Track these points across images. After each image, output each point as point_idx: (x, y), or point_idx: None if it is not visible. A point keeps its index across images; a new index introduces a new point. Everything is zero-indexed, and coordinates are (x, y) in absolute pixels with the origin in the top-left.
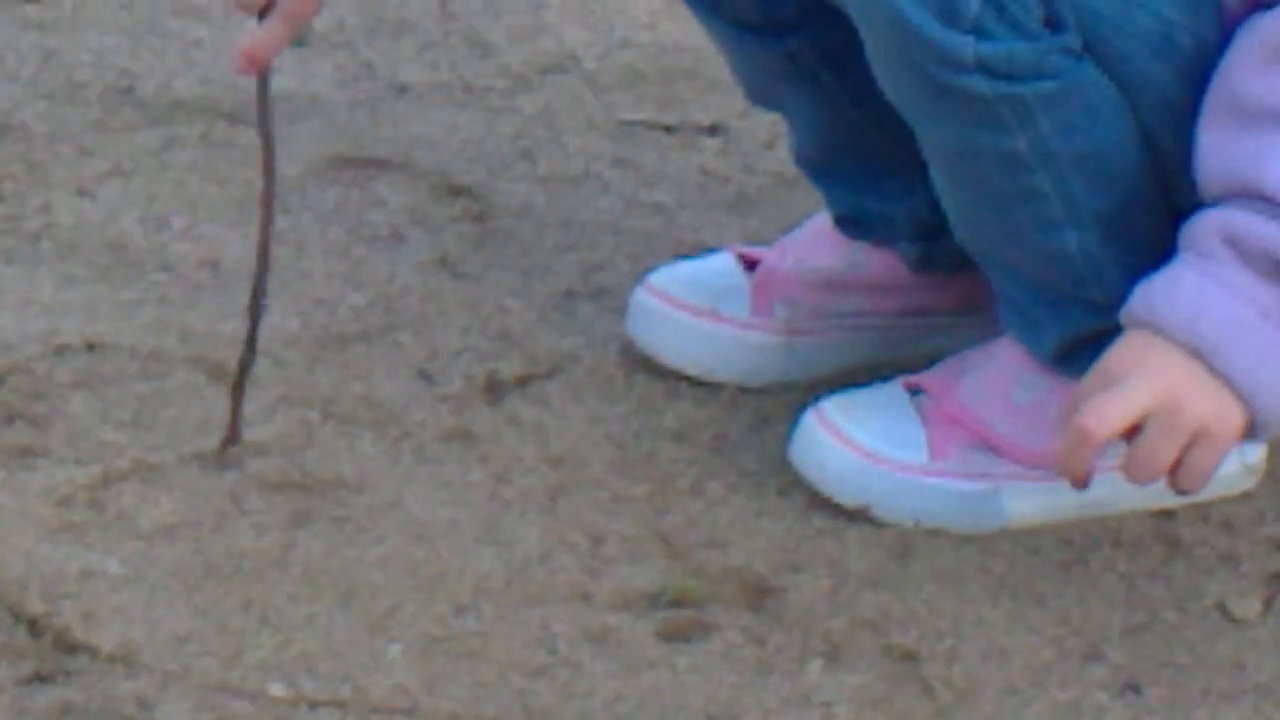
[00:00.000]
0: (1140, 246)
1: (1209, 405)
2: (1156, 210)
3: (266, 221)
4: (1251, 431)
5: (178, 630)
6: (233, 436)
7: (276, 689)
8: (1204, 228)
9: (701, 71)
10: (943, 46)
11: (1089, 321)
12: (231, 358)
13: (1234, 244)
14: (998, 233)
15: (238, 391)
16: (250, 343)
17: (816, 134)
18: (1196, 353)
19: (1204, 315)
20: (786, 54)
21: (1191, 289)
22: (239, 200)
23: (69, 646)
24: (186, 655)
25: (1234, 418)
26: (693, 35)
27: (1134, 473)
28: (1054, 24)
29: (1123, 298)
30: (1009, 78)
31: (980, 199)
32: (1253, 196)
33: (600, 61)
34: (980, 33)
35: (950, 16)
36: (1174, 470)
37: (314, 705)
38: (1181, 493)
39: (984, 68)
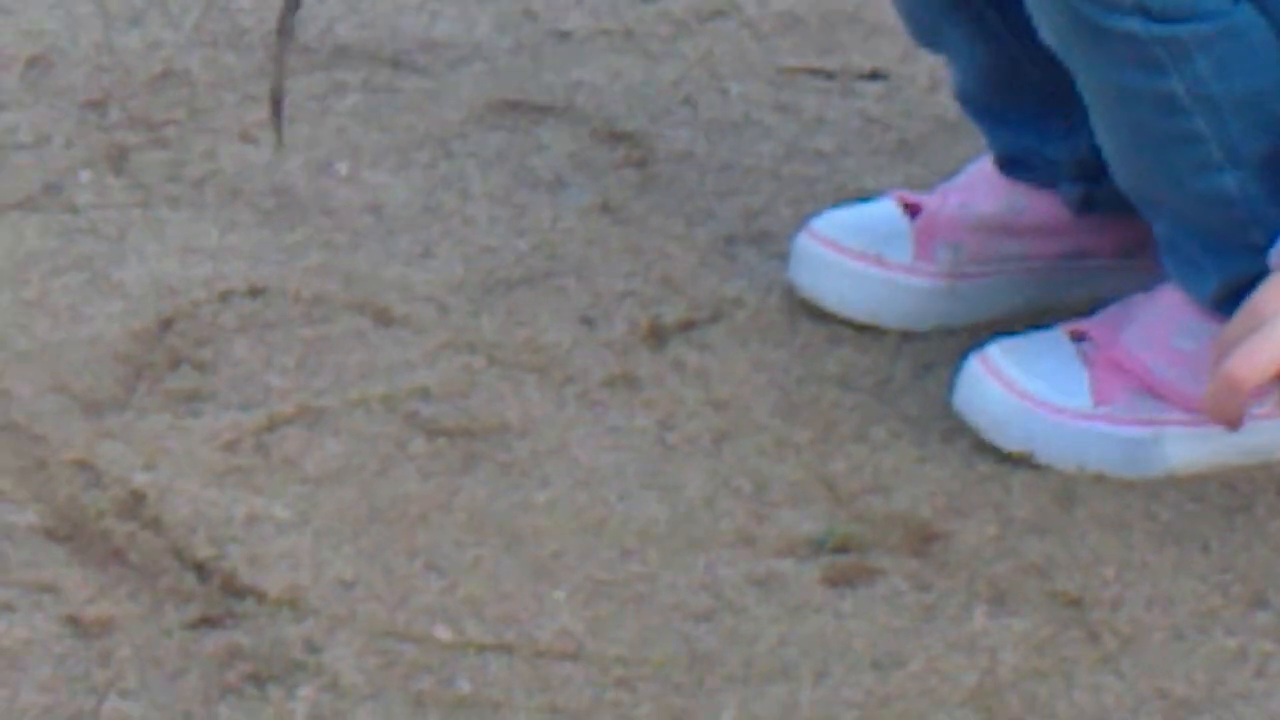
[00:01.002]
0: None
1: None
2: None
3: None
4: None
5: (344, 575)
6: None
7: (442, 633)
8: None
9: (862, 16)
10: None
11: (1251, 264)
12: (395, 303)
13: None
14: (1156, 176)
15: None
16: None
17: (979, 72)
18: None
19: None
20: None
21: None
22: (401, 146)
23: (236, 590)
24: (353, 599)
25: None
26: None
27: None
28: None
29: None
30: (1165, 19)
31: (1138, 142)
32: None
33: (761, 7)
34: None
35: None
36: None
37: (480, 649)
38: None
39: (1141, 8)
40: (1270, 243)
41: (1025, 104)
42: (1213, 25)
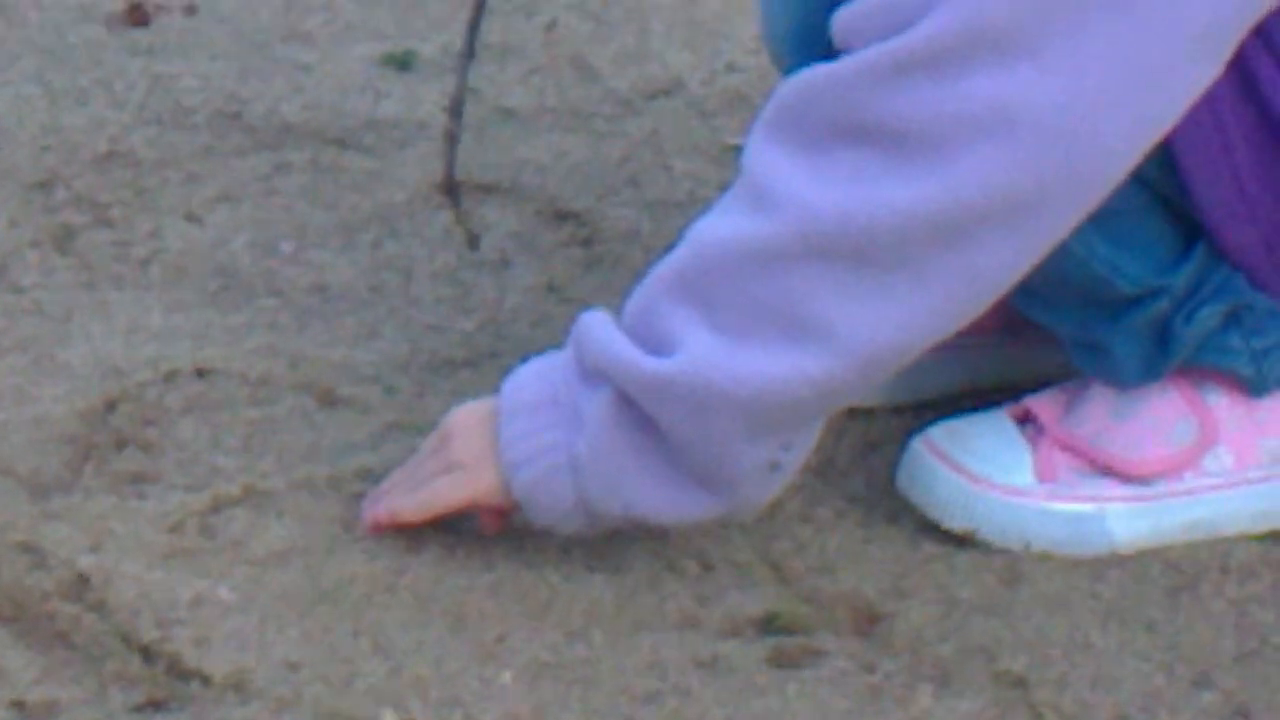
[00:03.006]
0: (1133, 228)
1: (470, 453)
2: (1132, 192)
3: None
4: (520, 504)
5: (290, 656)
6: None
7: (388, 716)
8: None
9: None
10: None
11: (1135, 315)
12: (341, 383)
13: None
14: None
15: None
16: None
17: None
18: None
19: (515, 389)
20: None
21: (527, 369)
22: (347, 225)
23: (182, 673)
24: (298, 681)
25: (482, 476)
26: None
27: None
28: None
29: (1143, 276)
30: None
31: None
32: None
33: (706, 86)
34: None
35: None
36: None
37: None
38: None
39: None
40: (1140, 287)
41: None
42: None
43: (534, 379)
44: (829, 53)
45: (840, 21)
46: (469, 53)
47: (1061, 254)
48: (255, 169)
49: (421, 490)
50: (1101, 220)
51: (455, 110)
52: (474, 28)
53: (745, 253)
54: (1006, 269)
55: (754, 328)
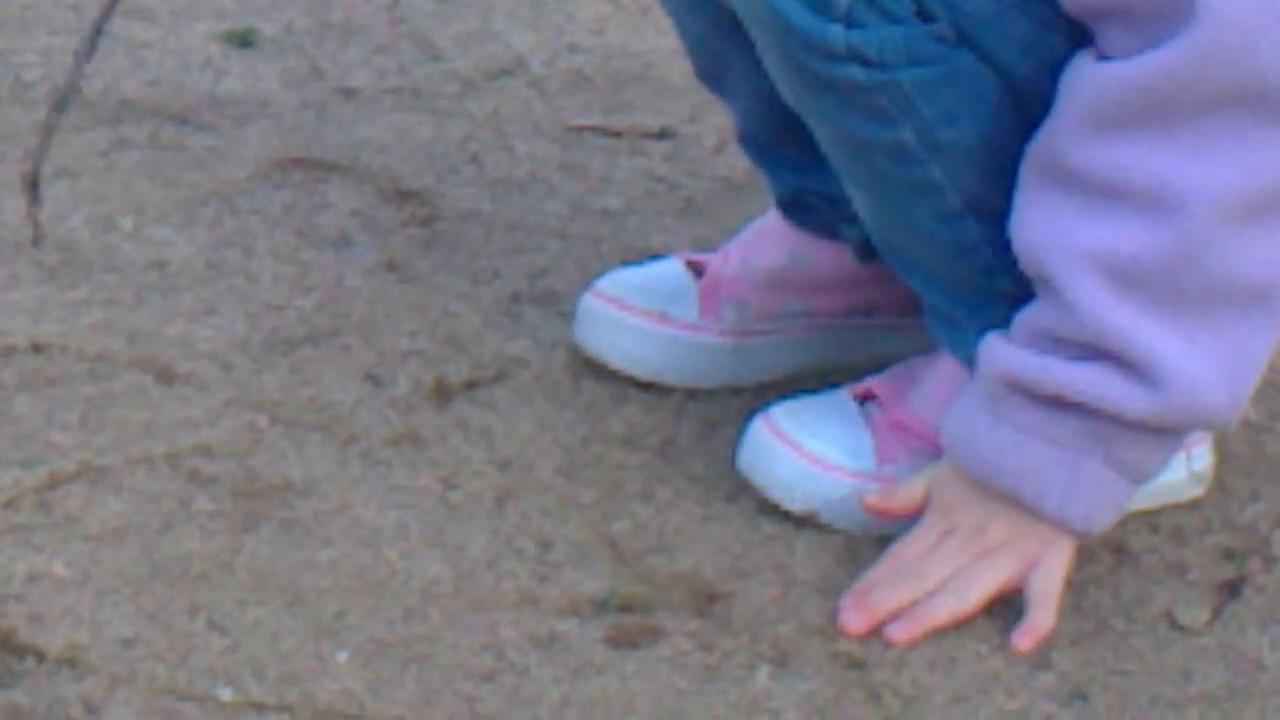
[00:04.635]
0: None
1: (1031, 545)
2: None
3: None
4: (1081, 538)
5: (125, 633)
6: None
7: (224, 693)
8: (987, 369)
9: (650, 76)
10: (814, 35)
11: (1006, 312)
12: (179, 360)
13: (1015, 388)
14: (902, 228)
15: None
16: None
17: (760, 104)
18: (1007, 500)
19: (1003, 469)
20: (730, 15)
21: (985, 441)
22: (186, 202)
23: (16, 649)
24: (133, 658)
25: (1060, 544)
26: (640, 40)
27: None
28: (924, 14)
29: (1024, 279)
30: (883, 65)
31: (880, 195)
32: (1050, 292)
33: (548, 66)
34: (850, 21)
35: (820, 6)
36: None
37: (261, 709)
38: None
39: (856, 55)
40: (1023, 291)
41: (806, 140)
42: (933, 70)
43: (1002, 448)
44: None
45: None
46: (90, 47)
47: (959, 229)
48: (94, 145)
49: (964, 583)
50: (1006, 217)
51: (58, 105)
52: (98, 29)
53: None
54: None
55: (1224, 316)
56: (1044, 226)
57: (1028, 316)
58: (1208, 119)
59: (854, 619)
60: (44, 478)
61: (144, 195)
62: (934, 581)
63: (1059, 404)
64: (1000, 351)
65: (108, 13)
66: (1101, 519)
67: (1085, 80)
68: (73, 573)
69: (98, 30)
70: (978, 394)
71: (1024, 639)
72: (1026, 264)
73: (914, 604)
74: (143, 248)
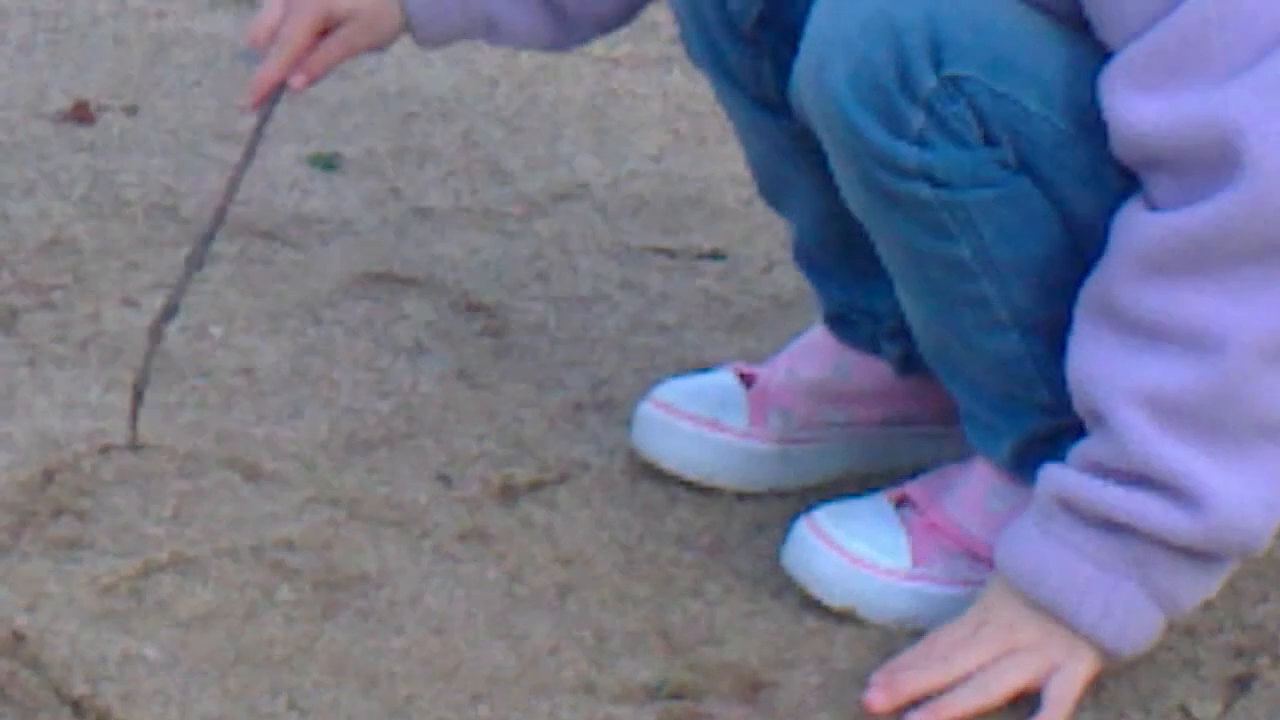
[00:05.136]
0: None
1: (1053, 646)
2: None
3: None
4: (1110, 658)
5: (211, 713)
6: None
7: None
8: (1043, 489)
9: (705, 201)
10: (888, 153)
11: (1041, 422)
12: (264, 459)
13: (1068, 506)
14: (949, 337)
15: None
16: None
17: (815, 223)
18: (1039, 604)
19: (1044, 582)
20: (795, 132)
21: (1032, 553)
22: (273, 313)
23: None
24: None
25: (1085, 655)
26: (696, 168)
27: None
28: (990, 140)
29: (1064, 396)
30: (949, 185)
31: (932, 305)
32: (1099, 424)
33: (610, 190)
34: (923, 143)
35: (897, 127)
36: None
37: None
38: None
39: (926, 175)
40: (1058, 402)
41: (855, 259)
42: (994, 193)
43: (1056, 565)
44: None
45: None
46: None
47: (1004, 341)
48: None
49: (989, 678)
50: (1054, 335)
51: (203, 240)
52: (234, 185)
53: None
54: None
55: (1259, 449)
56: (1095, 364)
57: (1082, 448)
58: (1249, 267)
59: (880, 697)
60: (138, 567)
61: (233, 306)
62: (960, 671)
63: (1106, 526)
64: (1057, 474)
65: (252, 148)
66: (1133, 641)
67: (1136, 227)
68: (163, 656)
69: (248, 157)
70: (1032, 512)
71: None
72: (1079, 399)
73: (939, 691)
74: (231, 354)
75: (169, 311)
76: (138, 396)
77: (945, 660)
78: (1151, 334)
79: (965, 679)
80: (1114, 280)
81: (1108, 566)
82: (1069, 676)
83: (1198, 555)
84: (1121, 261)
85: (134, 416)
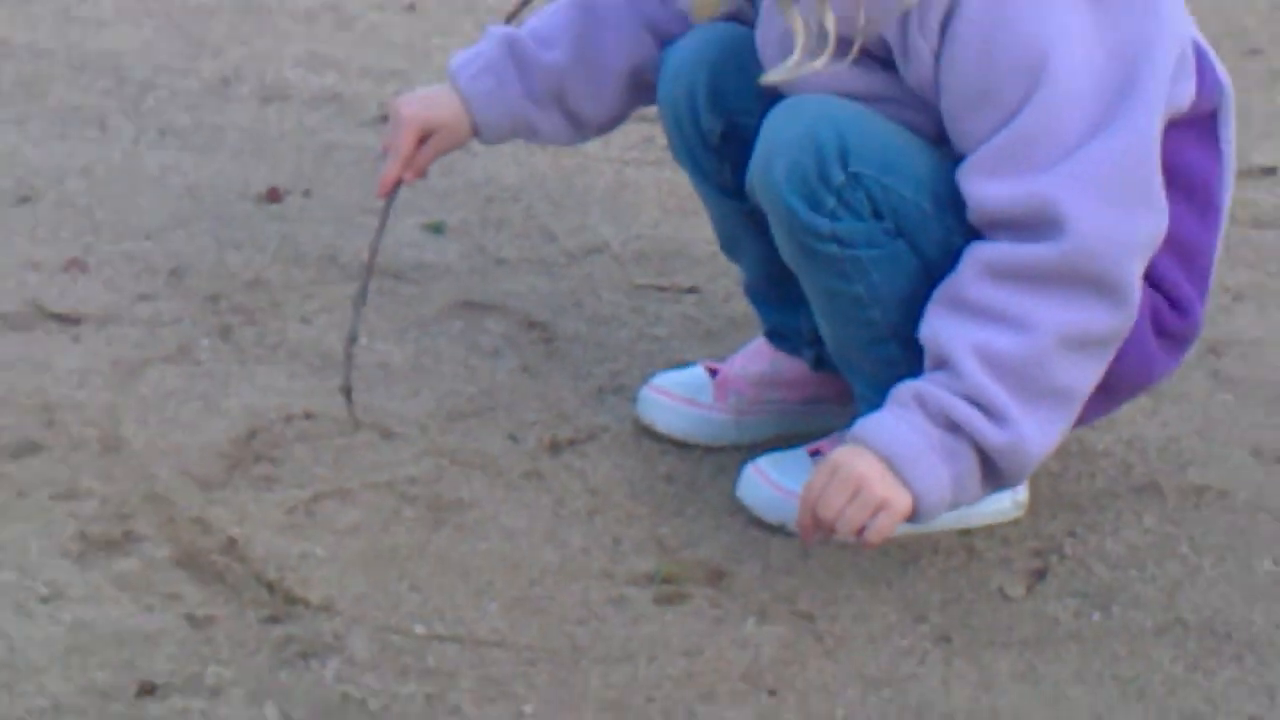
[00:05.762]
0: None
1: (889, 491)
2: None
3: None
4: (916, 515)
5: (358, 591)
6: (347, 393)
7: (419, 628)
8: (902, 392)
9: (685, 253)
10: (811, 225)
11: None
12: (396, 425)
13: (921, 403)
14: (848, 345)
15: (348, 359)
16: (352, 334)
17: (759, 270)
18: (889, 462)
19: (895, 445)
20: (746, 210)
21: (890, 425)
22: (399, 328)
23: (291, 599)
24: (364, 607)
25: (904, 503)
26: (679, 231)
27: (820, 519)
28: (878, 215)
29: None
30: (851, 246)
31: (838, 325)
32: (944, 366)
33: (623, 247)
34: (834, 217)
35: (817, 207)
36: (861, 531)
37: (442, 639)
38: (866, 545)
39: (836, 239)
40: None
41: (786, 293)
42: (880, 251)
43: (918, 455)
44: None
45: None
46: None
47: (885, 348)
48: (345, 293)
49: (877, 518)
50: (916, 344)
51: (361, 292)
52: (363, 291)
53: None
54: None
55: (1060, 393)
56: (945, 329)
57: (933, 377)
58: (1060, 286)
59: (805, 523)
60: (310, 495)
61: (374, 323)
62: (834, 512)
63: (944, 423)
64: (916, 384)
65: (384, 220)
66: (931, 509)
67: (983, 250)
68: (326, 554)
69: (382, 226)
70: (890, 405)
71: (873, 537)
72: (931, 352)
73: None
74: (373, 355)
75: (353, 334)
76: (347, 392)
77: (820, 502)
78: (987, 315)
79: (846, 504)
80: (963, 282)
81: (937, 451)
82: (891, 513)
83: (989, 466)
84: (970, 270)
85: (349, 400)
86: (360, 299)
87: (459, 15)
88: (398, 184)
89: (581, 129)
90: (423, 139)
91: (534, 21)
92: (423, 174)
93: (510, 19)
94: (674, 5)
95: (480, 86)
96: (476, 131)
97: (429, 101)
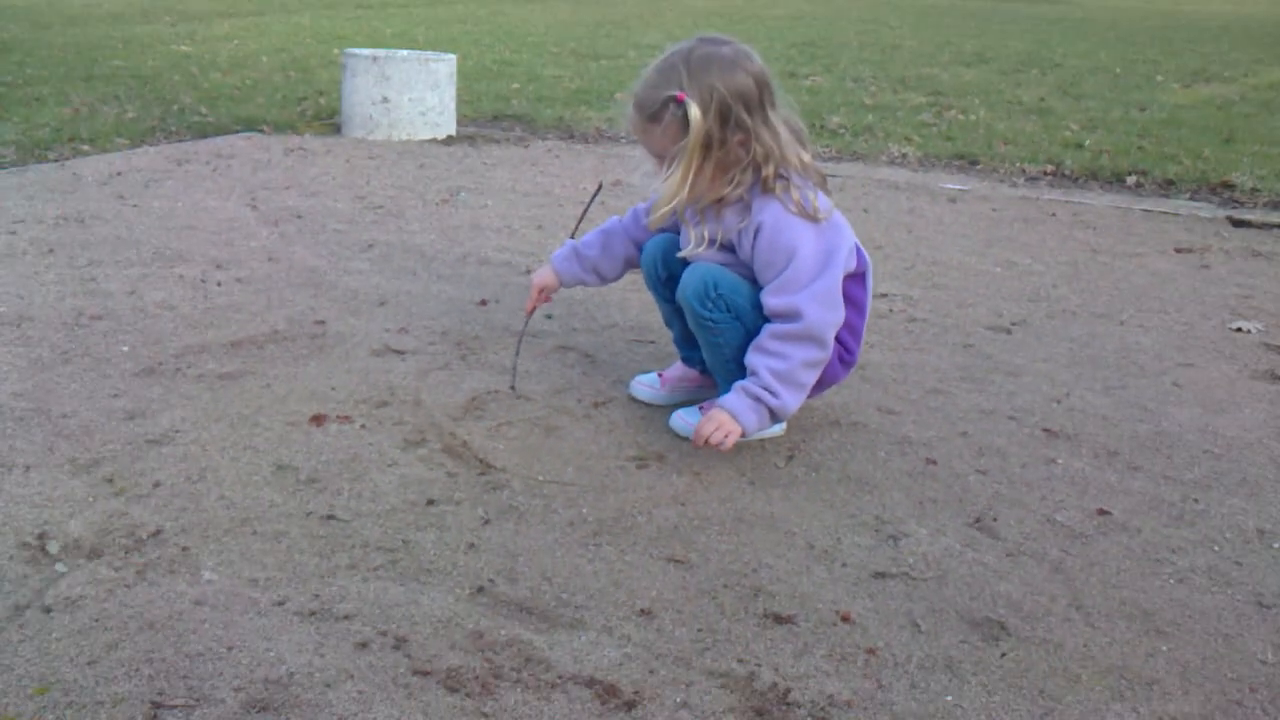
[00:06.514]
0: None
1: (732, 426)
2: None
3: (520, 341)
4: (744, 435)
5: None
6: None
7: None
8: (737, 384)
9: (650, 327)
10: (704, 316)
11: (752, 389)
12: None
13: (744, 390)
14: (716, 364)
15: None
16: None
17: (681, 332)
18: (731, 414)
19: (734, 406)
20: (676, 309)
21: (732, 399)
22: (541, 361)
23: (483, 467)
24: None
25: (738, 431)
26: (646, 317)
27: (702, 436)
28: (729, 311)
29: (761, 383)
30: (715, 325)
31: (711, 355)
32: (753, 374)
33: (622, 326)
34: (712, 312)
35: (704, 308)
36: (718, 444)
37: (529, 477)
38: (723, 449)
39: (711, 321)
40: (760, 381)
41: (691, 342)
42: (729, 326)
43: (745, 410)
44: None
45: (770, 309)
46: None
47: (733, 366)
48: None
49: (728, 437)
50: (744, 366)
51: (516, 350)
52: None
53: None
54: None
55: (801, 385)
56: (753, 359)
57: (748, 378)
58: (801, 341)
59: (698, 441)
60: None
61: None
62: (712, 429)
63: (752, 395)
64: (741, 381)
65: (527, 322)
66: (750, 430)
67: (770, 326)
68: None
69: (525, 322)
70: (736, 389)
71: (726, 439)
72: (748, 367)
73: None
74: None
75: (515, 367)
76: (513, 387)
77: (703, 429)
78: (771, 353)
79: (715, 431)
80: (762, 339)
81: (752, 409)
82: (734, 435)
83: (773, 415)
84: (764, 334)
85: (513, 385)
86: (517, 348)
87: (561, 233)
88: (534, 307)
89: (606, 281)
90: (541, 289)
91: (585, 238)
92: (547, 301)
93: (574, 234)
94: (643, 227)
95: (562, 266)
96: (561, 284)
97: (544, 272)
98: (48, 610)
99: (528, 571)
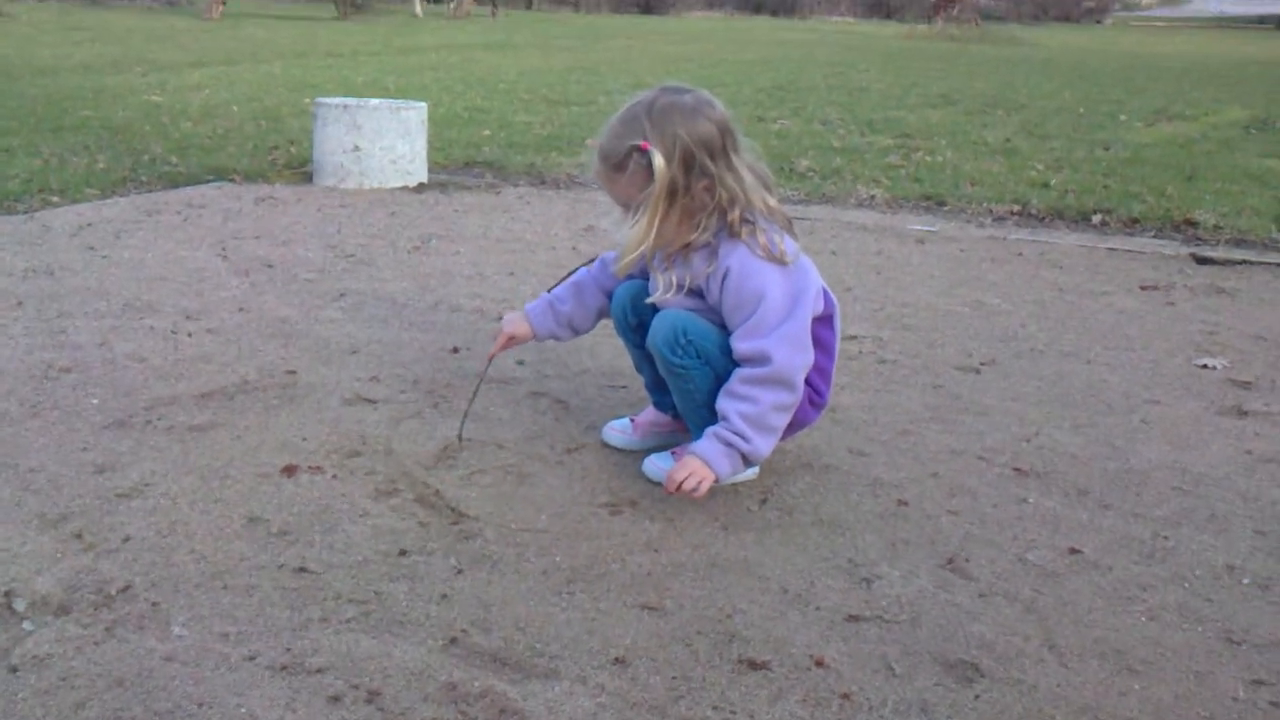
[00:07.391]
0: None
1: (704, 472)
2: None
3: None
4: (718, 481)
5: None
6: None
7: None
8: (709, 430)
9: (623, 372)
10: (673, 362)
11: (724, 435)
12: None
13: (716, 435)
14: (688, 409)
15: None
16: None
17: (651, 378)
18: (704, 461)
19: (706, 452)
20: (646, 355)
21: (704, 445)
22: (505, 402)
23: (455, 516)
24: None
25: (711, 477)
26: (619, 362)
27: (672, 484)
28: (699, 356)
29: (732, 429)
30: (686, 370)
31: (682, 398)
32: (724, 419)
33: (597, 372)
34: (683, 356)
35: (675, 355)
36: (692, 490)
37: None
38: (694, 496)
39: (681, 368)
40: (730, 428)
41: (662, 387)
42: (699, 370)
43: (717, 457)
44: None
45: (740, 354)
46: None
47: (704, 411)
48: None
49: (701, 484)
50: (715, 412)
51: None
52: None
53: (776, 409)
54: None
55: (772, 428)
56: (724, 403)
57: (720, 424)
58: (771, 385)
59: (670, 487)
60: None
61: (475, 407)
62: (684, 475)
63: (724, 442)
64: (712, 428)
65: (485, 368)
66: (723, 476)
67: (739, 371)
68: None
69: (485, 368)
70: (708, 435)
71: (699, 486)
72: (719, 413)
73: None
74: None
75: (465, 414)
76: (460, 437)
77: (675, 476)
78: (741, 397)
79: (689, 478)
80: (732, 384)
81: (724, 455)
82: (706, 481)
83: (745, 459)
84: (735, 379)
85: (460, 435)
86: (473, 395)
87: (533, 279)
88: (494, 355)
89: (578, 334)
90: (511, 337)
91: (557, 291)
92: (507, 349)
93: (550, 290)
94: (611, 274)
95: (538, 320)
96: (536, 335)
97: (515, 319)
98: (14, 670)
99: (501, 621)
